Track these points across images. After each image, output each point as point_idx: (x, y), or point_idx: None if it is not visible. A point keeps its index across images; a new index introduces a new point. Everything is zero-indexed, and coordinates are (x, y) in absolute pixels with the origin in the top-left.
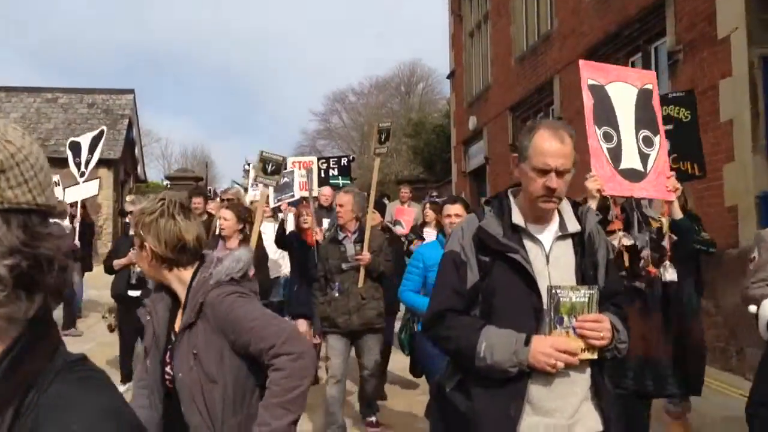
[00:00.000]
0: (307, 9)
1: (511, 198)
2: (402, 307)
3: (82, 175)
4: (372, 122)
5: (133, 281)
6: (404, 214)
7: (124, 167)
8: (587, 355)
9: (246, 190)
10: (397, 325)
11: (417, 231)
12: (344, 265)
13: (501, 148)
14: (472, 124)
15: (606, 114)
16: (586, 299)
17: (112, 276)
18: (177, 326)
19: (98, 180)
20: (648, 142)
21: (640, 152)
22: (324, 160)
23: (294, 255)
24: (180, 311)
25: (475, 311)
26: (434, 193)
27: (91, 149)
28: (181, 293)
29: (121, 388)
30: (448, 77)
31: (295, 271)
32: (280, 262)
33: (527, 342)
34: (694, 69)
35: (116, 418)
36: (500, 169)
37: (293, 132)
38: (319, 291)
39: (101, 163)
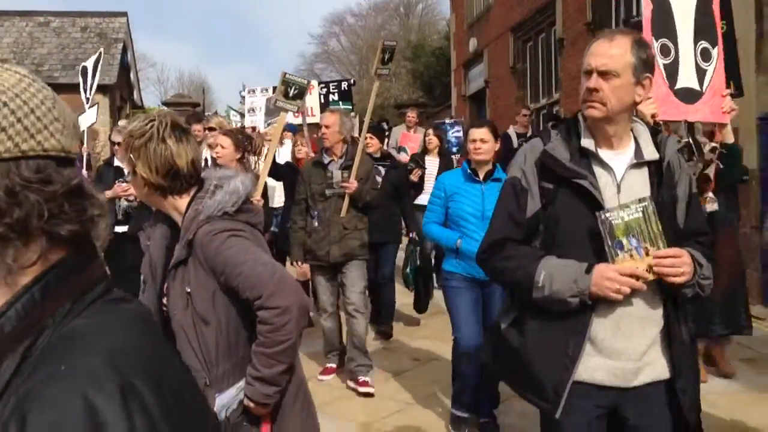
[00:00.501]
0: None
1: (582, 121)
2: (404, 240)
3: (87, 101)
4: (373, 43)
5: (120, 216)
6: (410, 140)
7: (120, 93)
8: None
9: (242, 115)
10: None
11: (417, 159)
12: (328, 191)
13: (502, 71)
14: (473, 46)
15: (665, 23)
16: (640, 214)
17: None
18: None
19: (97, 106)
20: (706, 55)
21: (698, 67)
22: (324, 85)
23: (288, 186)
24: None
25: (536, 242)
26: (447, 120)
27: (92, 74)
28: (176, 221)
29: None
30: None
31: (289, 203)
32: (275, 192)
33: (589, 270)
34: None
35: (121, 363)
36: (500, 92)
37: (291, 56)
38: (298, 215)
39: (97, 88)
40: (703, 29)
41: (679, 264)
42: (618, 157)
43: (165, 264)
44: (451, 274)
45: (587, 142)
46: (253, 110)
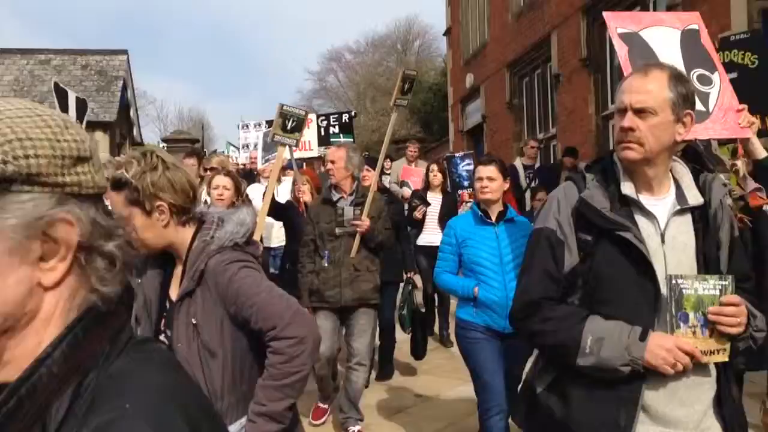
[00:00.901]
0: None
1: (618, 162)
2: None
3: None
4: (372, 79)
5: None
6: (412, 174)
7: (120, 130)
8: (719, 358)
9: (239, 149)
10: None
11: (421, 195)
12: (338, 230)
13: (498, 106)
14: (469, 82)
15: (646, 58)
16: (717, 292)
17: None
18: (172, 293)
19: (97, 143)
20: (705, 80)
21: (698, 91)
22: (324, 117)
23: (289, 226)
24: (176, 276)
25: (573, 299)
26: (458, 153)
27: (78, 114)
28: (181, 256)
29: None
30: (444, 34)
31: (290, 246)
32: (272, 231)
33: (643, 336)
34: None
35: (175, 399)
36: (498, 126)
37: (289, 92)
38: (306, 258)
39: (97, 125)
40: (695, 60)
41: (738, 313)
42: (659, 203)
43: (160, 300)
44: (467, 324)
45: (628, 189)
46: (247, 146)
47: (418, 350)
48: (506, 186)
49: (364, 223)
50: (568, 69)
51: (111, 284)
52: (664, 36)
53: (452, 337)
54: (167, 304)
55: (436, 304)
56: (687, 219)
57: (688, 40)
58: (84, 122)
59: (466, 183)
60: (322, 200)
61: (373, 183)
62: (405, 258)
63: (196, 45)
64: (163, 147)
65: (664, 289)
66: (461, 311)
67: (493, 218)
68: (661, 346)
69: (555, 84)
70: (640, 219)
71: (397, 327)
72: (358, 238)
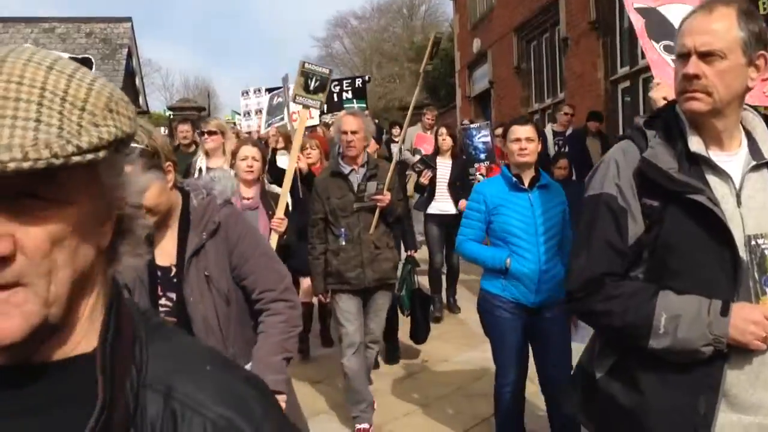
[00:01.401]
0: None
1: (681, 115)
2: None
3: None
4: (377, 45)
5: None
6: (425, 142)
7: None
8: None
9: (244, 114)
10: None
11: (427, 160)
12: (356, 205)
13: (506, 72)
14: (476, 47)
15: (663, 26)
16: None
17: None
18: (160, 259)
19: None
20: None
21: None
22: (336, 82)
23: (296, 198)
24: (164, 241)
25: (637, 272)
26: (465, 121)
27: None
28: (174, 218)
29: None
30: None
31: (295, 217)
32: None
33: (725, 311)
34: None
35: (220, 357)
36: (505, 92)
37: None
38: (317, 238)
39: None
40: None
41: None
42: (732, 160)
43: (149, 268)
44: (493, 297)
45: (696, 145)
46: (249, 113)
47: (419, 333)
48: (539, 147)
49: (386, 197)
50: (576, 32)
51: (131, 256)
52: (682, 13)
53: (459, 303)
54: (157, 271)
55: (444, 271)
56: (763, 175)
57: None
58: None
59: (482, 155)
60: (331, 173)
61: (395, 153)
62: (405, 235)
63: (201, 12)
64: (169, 115)
65: (743, 253)
66: (488, 283)
67: (526, 183)
68: (748, 320)
69: (563, 48)
70: (712, 179)
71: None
72: (377, 213)
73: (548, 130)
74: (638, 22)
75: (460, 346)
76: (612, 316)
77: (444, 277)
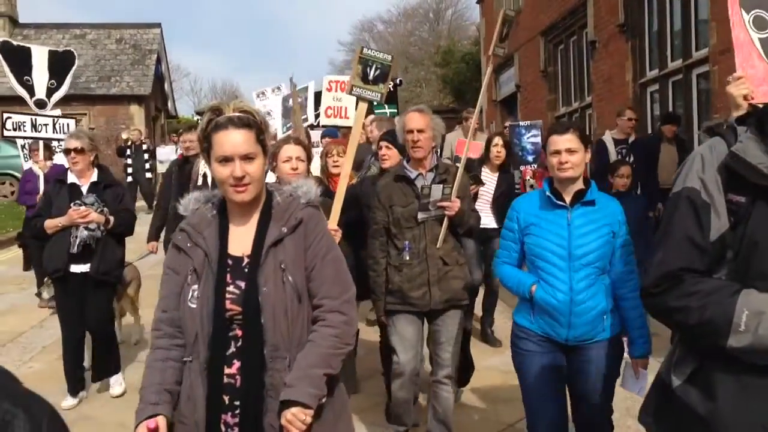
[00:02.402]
0: None
1: None
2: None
3: (39, 105)
4: (403, 49)
5: (75, 249)
6: (469, 149)
7: (155, 103)
8: None
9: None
10: None
11: (474, 174)
12: (421, 215)
13: (533, 75)
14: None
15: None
16: None
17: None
18: (233, 249)
19: (74, 121)
20: (762, 23)
21: (759, 39)
22: None
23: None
24: (240, 232)
25: (720, 273)
26: (511, 122)
27: (58, 73)
28: (258, 207)
29: (71, 402)
30: (477, 2)
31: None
32: None
33: None
34: None
35: None
36: (532, 96)
37: (321, 63)
38: (379, 251)
39: (132, 99)
40: None
41: None
42: None
43: (220, 256)
44: (521, 330)
45: None
46: (270, 113)
47: (462, 375)
48: (588, 158)
49: (455, 204)
50: (604, 35)
51: None
52: None
53: (497, 334)
54: (228, 261)
55: (481, 296)
56: None
57: None
58: (67, 81)
59: (530, 158)
60: (395, 177)
61: (464, 155)
62: None
63: (228, 18)
64: (198, 120)
65: None
66: (518, 314)
67: (568, 200)
68: None
69: (591, 51)
70: None
71: None
72: (446, 223)
73: (607, 137)
74: None
75: (485, 350)
76: (689, 312)
77: (481, 300)
